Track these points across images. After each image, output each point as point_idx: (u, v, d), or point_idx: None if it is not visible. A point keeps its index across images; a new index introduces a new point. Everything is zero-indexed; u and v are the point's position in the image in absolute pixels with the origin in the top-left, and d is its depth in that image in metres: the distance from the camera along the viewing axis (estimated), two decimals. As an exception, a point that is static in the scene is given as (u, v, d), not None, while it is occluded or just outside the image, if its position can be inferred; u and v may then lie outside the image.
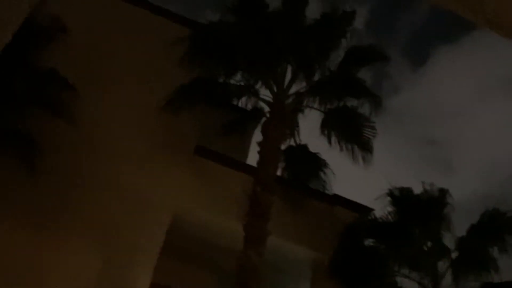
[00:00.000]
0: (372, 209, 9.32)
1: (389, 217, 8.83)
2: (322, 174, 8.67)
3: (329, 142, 8.48)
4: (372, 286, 8.42)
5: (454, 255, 8.34)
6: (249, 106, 8.72)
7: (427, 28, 26.56)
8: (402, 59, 27.27)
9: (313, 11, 8.61)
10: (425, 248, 8.57)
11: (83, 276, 7.18)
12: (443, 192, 8.58)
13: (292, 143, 8.50)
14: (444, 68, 27.15)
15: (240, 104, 8.84)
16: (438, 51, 29.89)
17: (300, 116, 8.50)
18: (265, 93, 8.42)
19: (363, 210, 9.49)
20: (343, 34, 8.46)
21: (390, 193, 8.80)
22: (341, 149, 8.43)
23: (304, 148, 8.65)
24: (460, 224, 8.49)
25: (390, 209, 8.83)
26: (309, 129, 8.82)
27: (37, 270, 7.03)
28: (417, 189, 8.73)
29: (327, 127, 8.52)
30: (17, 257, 7.03)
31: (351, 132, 8.39)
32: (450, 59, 28.73)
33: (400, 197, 8.75)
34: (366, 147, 8.30)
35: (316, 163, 8.70)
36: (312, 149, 8.79)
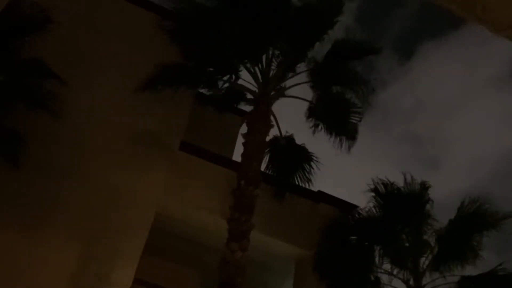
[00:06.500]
0: (356, 206, 9.38)
1: (373, 212, 8.86)
2: (307, 168, 8.53)
3: (315, 129, 8.39)
4: (355, 282, 8.47)
5: (435, 250, 8.41)
6: (231, 92, 8.55)
7: (415, 23, 26.77)
8: (391, 55, 27.43)
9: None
10: (407, 244, 8.63)
11: (65, 272, 7.07)
12: (424, 186, 8.58)
13: (278, 134, 8.34)
14: (431, 64, 27.42)
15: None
16: (425, 47, 30.15)
17: (285, 106, 8.38)
18: (251, 82, 8.17)
19: (347, 207, 9.55)
20: (330, 24, 8.19)
21: (375, 188, 8.81)
22: (327, 135, 8.35)
23: (290, 139, 8.49)
24: (444, 220, 8.54)
25: (373, 204, 8.86)
26: (293, 120, 8.72)
27: (18, 265, 6.88)
28: (401, 185, 8.75)
29: (314, 114, 8.40)
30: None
31: (337, 117, 8.25)
32: (437, 54, 29.02)
33: (384, 192, 8.74)
34: (351, 133, 8.21)
35: (302, 156, 8.51)
36: (297, 140, 8.63)
